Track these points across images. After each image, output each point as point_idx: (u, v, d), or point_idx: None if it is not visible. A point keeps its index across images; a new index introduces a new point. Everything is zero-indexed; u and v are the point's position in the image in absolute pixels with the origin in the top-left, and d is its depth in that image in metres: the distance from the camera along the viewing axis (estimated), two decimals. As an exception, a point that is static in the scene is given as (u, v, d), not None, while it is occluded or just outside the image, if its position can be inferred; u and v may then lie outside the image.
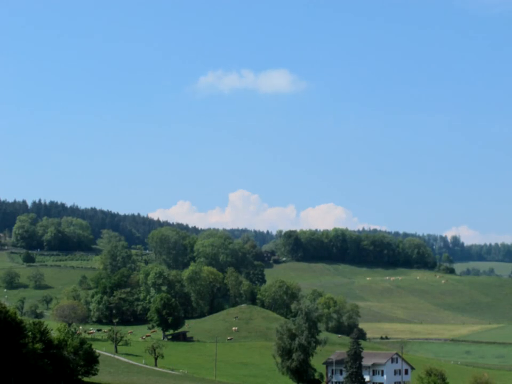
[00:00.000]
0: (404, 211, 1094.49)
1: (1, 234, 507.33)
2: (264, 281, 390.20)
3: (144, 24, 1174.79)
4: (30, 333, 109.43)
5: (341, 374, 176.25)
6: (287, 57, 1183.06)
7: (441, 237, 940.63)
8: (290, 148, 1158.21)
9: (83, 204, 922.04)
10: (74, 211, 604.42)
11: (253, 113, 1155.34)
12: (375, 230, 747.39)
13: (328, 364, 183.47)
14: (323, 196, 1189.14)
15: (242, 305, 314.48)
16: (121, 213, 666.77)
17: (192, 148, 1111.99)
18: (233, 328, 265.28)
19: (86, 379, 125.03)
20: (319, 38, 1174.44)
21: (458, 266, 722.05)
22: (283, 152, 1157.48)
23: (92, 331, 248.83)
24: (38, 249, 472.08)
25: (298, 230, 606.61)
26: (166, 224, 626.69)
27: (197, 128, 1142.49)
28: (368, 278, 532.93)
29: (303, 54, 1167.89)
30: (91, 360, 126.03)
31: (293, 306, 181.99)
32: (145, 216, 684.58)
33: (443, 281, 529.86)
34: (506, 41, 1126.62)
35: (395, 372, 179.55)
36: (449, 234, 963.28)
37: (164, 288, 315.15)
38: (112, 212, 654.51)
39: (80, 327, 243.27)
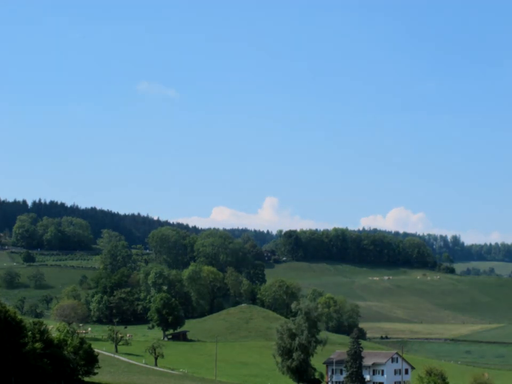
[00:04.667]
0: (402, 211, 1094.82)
1: (2, 234, 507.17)
2: (264, 281, 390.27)
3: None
4: (30, 333, 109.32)
5: (341, 373, 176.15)
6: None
7: (441, 236, 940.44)
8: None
9: (83, 204, 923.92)
10: (74, 211, 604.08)
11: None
12: (375, 230, 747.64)
13: (328, 363, 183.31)
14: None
15: (243, 304, 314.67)
16: (121, 212, 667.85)
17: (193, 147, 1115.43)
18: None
19: (86, 379, 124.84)
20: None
21: (459, 266, 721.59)
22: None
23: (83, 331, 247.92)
24: (38, 249, 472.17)
25: (298, 230, 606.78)
26: (166, 223, 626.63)
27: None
28: (368, 278, 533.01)
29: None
30: (91, 360, 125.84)
31: (293, 305, 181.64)
32: (145, 215, 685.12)
33: (428, 278, 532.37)
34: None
35: (395, 372, 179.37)
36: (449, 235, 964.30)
37: (164, 287, 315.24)
38: (112, 211, 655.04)
39: (81, 325, 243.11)
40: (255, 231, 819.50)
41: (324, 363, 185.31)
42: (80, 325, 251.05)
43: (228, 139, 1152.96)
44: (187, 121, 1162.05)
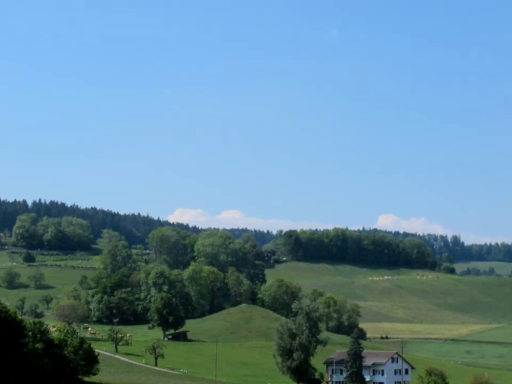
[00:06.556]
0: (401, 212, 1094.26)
1: (2, 234, 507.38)
2: (265, 281, 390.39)
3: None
4: (30, 333, 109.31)
5: (341, 373, 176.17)
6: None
7: (441, 236, 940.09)
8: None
9: (83, 204, 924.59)
10: (74, 211, 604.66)
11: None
12: (375, 230, 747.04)
13: (328, 363, 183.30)
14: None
15: (243, 304, 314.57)
16: (121, 212, 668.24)
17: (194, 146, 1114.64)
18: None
19: (86, 379, 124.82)
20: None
21: (459, 266, 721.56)
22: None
23: (92, 332, 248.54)
24: (39, 249, 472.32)
25: (298, 230, 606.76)
26: (166, 224, 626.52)
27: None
28: (368, 278, 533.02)
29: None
30: (91, 360, 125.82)
31: (293, 305, 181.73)
32: (146, 215, 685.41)
33: (425, 277, 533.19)
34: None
35: (395, 372, 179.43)
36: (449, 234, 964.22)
37: (164, 287, 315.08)
38: (113, 211, 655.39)
39: (85, 326, 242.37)
40: (255, 231, 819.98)
41: (324, 363, 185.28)
42: (85, 325, 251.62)
43: (226, 139, 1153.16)
44: (177, 118, 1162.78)
